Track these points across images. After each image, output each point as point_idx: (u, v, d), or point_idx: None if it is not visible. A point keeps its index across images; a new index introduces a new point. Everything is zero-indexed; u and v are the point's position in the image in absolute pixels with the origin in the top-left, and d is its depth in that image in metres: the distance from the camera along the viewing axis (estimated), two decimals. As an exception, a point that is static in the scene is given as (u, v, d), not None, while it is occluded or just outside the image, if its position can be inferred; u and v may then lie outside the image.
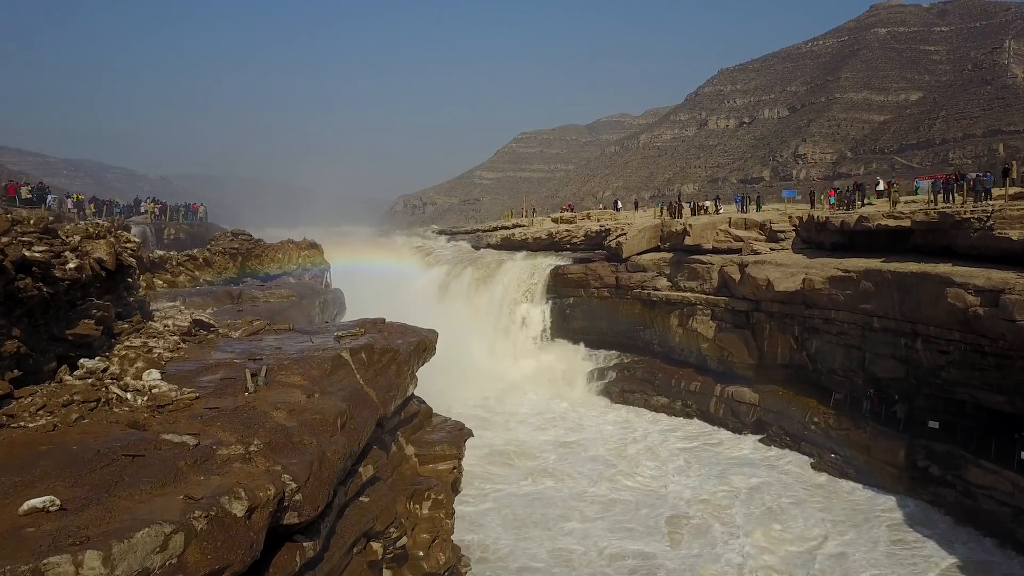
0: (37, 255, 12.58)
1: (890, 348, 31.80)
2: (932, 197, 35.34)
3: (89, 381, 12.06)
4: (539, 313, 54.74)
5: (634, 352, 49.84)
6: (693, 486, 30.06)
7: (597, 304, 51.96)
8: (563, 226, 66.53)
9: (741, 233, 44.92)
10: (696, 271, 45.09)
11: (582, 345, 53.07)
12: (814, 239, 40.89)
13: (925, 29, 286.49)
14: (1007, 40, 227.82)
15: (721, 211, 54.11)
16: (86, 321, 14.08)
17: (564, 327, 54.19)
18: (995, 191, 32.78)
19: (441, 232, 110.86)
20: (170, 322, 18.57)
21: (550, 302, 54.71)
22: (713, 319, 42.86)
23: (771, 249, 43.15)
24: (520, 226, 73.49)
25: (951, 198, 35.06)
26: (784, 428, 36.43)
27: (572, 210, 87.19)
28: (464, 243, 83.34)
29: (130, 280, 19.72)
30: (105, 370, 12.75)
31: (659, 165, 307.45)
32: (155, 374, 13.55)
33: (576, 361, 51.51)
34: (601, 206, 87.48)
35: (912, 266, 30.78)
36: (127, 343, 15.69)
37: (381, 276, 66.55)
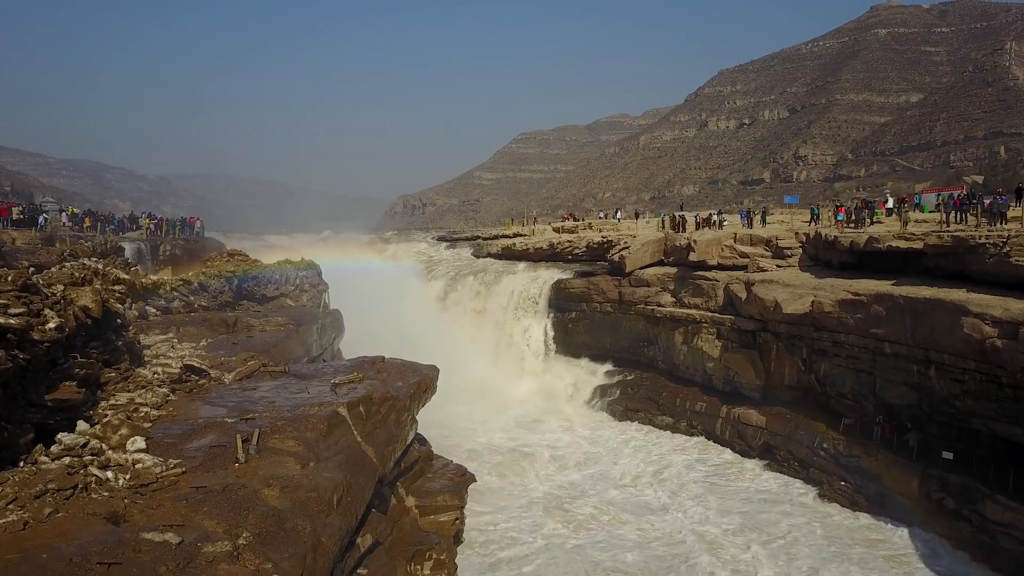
0: (13, 322, 11.78)
1: (902, 374, 30.99)
2: (944, 217, 34.53)
3: (66, 461, 11.24)
4: (541, 327, 53.99)
5: (638, 368, 49.02)
6: (732, 539, 28.19)
7: (600, 319, 51.18)
8: (565, 236, 65.79)
9: (747, 249, 44.15)
10: (701, 288, 44.29)
11: (585, 360, 52.25)
12: (822, 257, 40.09)
13: (925, 30, 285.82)
14: (1008, 42, 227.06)
15: (726, 223, 53.36)
16: (68, 384, 13.30)
17: (566, 341, 53.41)
18: (1010, 212, 31.99)
19: (441, 238, 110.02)
20: (160, 369, 17.77)
21: (552, 316, 53.96)
22: (719, 338, 42.05)
23: (777, 266, 42.37)
24: (521, 235, 72.78)
25: (963, 218, 34.32)
26: (792, 453, 35.60)
27: (574, 218, 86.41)
28: (464, 251, 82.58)
29: (119, 321, 18.97)
30: (85, 444, 11.93)
31: (659, 166, 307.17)
32: (139, 442, 12.74)
33: (580, 377, 50.72)
34: (602, 214, 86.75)
35: (925, 291, 29.97)
36: (113, 400, 14.90)
37: (380, 286, 65.82)
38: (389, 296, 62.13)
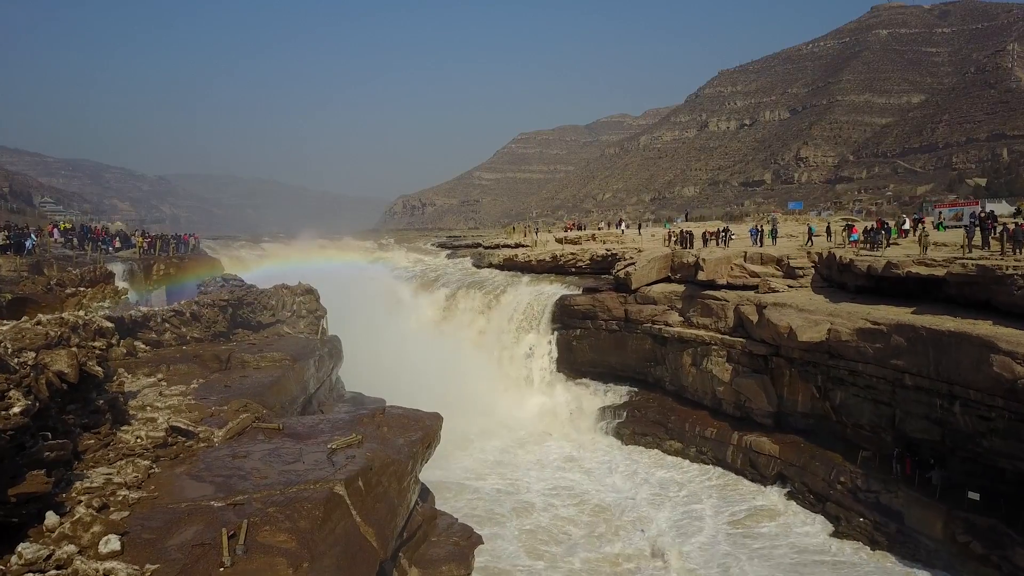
0: (-31, 416, 10.51)
1: (924, 408, 29.72)
2: (966, 241, 33.25)
3: (26, 584, 9.98)
4: (545, 345, 52.72)
5: (644, 388, 47.81)
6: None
7: (605, 337, 49.91)
8: (568, 248, 64.63)
9: (757, 269, 42.91)
10: (710, 308, 43.03)
11: (589, 379, 51.02)
12: (836, 279, 38.87)
13: (927, 31, 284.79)
14: (1010, 43, 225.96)
15: (733, 237, 52.09)
16: (35, 473, 11.99)
17: (570, 359, 52.11)
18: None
19: (441, 245, 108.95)
20: (143, 433, 16.49)
21: (556, 333, 52.67)
22: (729, 361, 40.76)
23: (789, 286, 41.18)
24: (523, 246, 71.63)
25: (985, 242, 33.13)
26: (807, 485, 34.30)
27: (577, 227, 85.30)
28: (465, 261, 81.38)
29: (102, 376, 17.67)
30: (49, 556, 10.66)
31: (659, 167, 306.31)
32: (113, 542, 11.46)
33: (585, 397, 49.46)
34: (603, 224, 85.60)
35: (949, 322, 28.70)
36: (88, 482, 13.60)
37: (379, 299, 64.70)
38: (388, 311, 61.04)
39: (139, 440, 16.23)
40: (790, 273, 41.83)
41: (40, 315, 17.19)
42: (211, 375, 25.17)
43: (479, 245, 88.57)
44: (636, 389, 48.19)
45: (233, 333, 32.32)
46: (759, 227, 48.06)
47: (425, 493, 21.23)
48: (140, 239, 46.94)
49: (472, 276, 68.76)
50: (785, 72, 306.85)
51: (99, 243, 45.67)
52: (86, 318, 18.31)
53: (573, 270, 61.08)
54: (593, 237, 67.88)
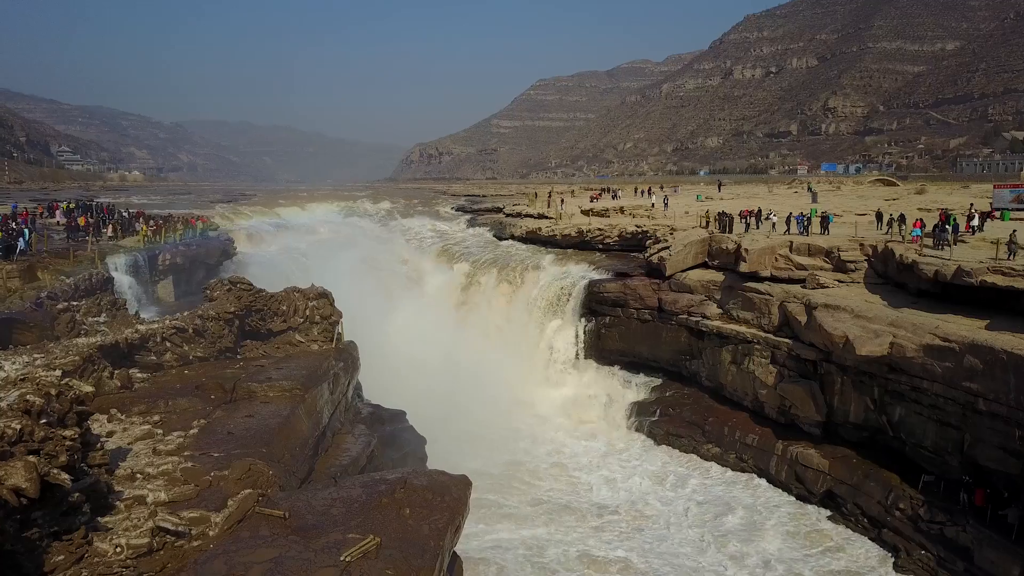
0: None
1: (999, 437, 26.88)
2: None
3: None
4: (571, 331, 50.01)
5: (679, 381, 45.13)
6: None
7: (637, 326, 47.09)
8: (595, 222, 61.55)
9: (804, 260, 39.81)
10: (752, 301, 40.12)
11: (618, 368, 48.34)
12: (893, 277, 35.75)
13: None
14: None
15: (773, 217, 48.84)
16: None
17: (598, 346, 49.43)
18: None
19: (460, 208, 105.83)
20: (123, 542, 14.03)
21: (583, 319, 49.88)
22: (773, 363, 37.96)
23: (839, 282, 38.04)
24: (547, 217, 68.40)
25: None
26: (861, 507, 31.69)
27: (608, 193, 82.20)
28: (485, 231, 78.42)
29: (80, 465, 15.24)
30: None
31: (681, 116, 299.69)
32: None
33: (614, 388, 46.92)
34: (619, 192, 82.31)
35: (1034, 347, 25.69)
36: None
37: (394, 278, 62.39)
38: (401, 294, 58.64)
39: (118, 551, 13.82)
40: (840, 267, 38.66)
41: None
42: (214, 413, 22.74)
43: (500, 211, 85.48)
44: (670, 381, 45.50)
45: (241, 345, 29.88)
46: (805, 214, 44.65)
47: (452, 563, 18.83)
48: (144, 227, 44.27)
49: (493, 250, 65.91)
50: (814, 17, 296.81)
51: (102, 219, 43.14)
52: (60, 384, 15.77)
53: (600, 247, 58.18)
54: (621, 210, 64.63)
